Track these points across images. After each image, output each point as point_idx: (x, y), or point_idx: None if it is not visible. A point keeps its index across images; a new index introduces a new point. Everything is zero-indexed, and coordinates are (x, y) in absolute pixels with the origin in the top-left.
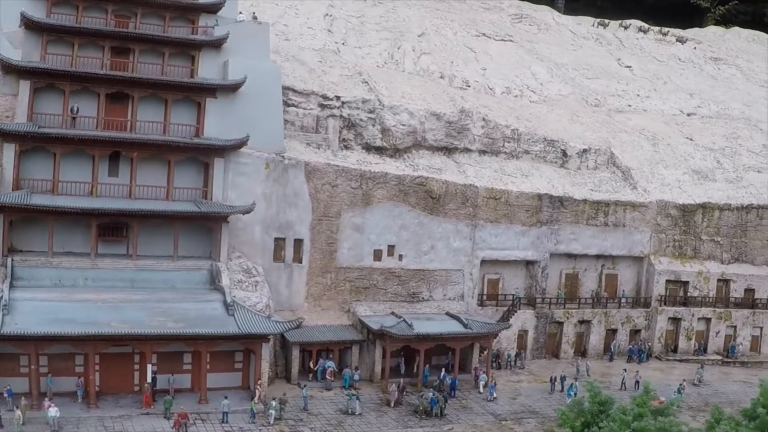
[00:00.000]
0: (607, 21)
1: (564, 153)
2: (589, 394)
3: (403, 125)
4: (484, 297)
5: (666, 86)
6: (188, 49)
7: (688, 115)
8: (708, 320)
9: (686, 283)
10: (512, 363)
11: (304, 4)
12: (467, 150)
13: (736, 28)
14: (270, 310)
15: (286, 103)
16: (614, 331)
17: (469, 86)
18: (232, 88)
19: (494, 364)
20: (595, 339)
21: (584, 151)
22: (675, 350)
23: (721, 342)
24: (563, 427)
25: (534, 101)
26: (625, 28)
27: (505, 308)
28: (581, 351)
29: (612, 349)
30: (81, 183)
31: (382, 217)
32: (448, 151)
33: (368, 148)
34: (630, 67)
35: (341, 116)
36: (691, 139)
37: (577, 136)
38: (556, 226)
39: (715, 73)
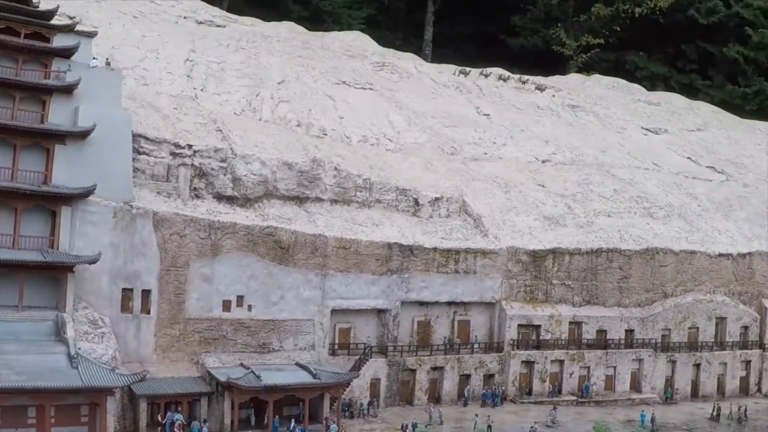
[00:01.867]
0: (468, 69)
1: (416, 202)
2: None
3: (255, 174)
4: (336, 346)
5: (523, 134)
6: (39, 94)
7: (543, 162)
8: (561, 362)
9: (538, 326)
10: (365, 411)
11: (165, 48)
12: (319, 199)
13: (597, 76)
14: (116, 362)
15: (137, 151)
16: (468, 376)
17: (325, 134)
18: (82, 135)
19: (346, 413)
20: (449, 385)
21: (436, 199)
22: (530, 393)
23: (575, 383)
24: None
25: (390, 150)
26: (486, 76)
27: (357, 357)
28: (435, 397)
29: (466, 394)
30: None
31: (231, 267)
32: (299, 200)
33: (219, 197)
34: (488, 115)
35: (193, 165)
36: (543, 186)
37: (430, 185)
38: (407, 274)
39: (572, 120)
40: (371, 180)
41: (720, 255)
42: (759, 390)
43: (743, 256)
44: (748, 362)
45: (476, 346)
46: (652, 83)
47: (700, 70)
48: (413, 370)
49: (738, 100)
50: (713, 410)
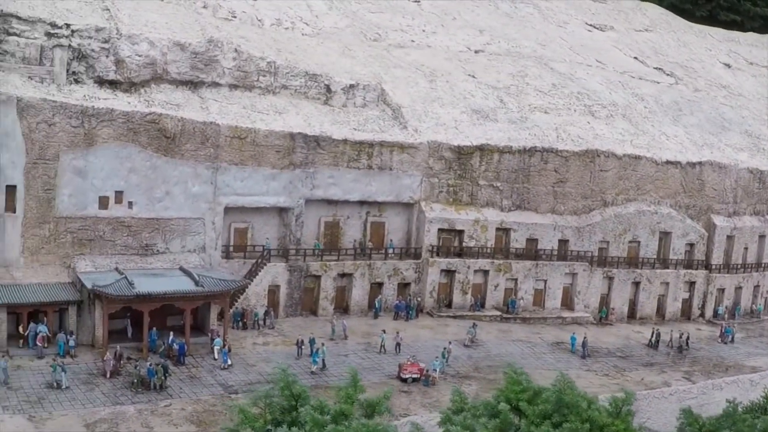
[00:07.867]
0: None
1: (328, 88)
2: (280, 386)
3: (140, 56)
4: (231, 248)
5: (455, 22)
6: None
7: (476, 52)
8: (486, 272)
9: (461, 232)
10: (261, 323)
11: None
12: (216, 84)
13: None
14: None
15: (6, 32)
16: (380, 284)
17: (235, 17)
18: None
19: (239, 325)
20: (359, 294)
21: (351, 86)
22: (449, 305)
23: (500, 296)
24: (243, 427)
25: (306, 34)
26: None
27: (254, 261)
28: (343, 307)
29: (377, 305)
30: None
31: (109, 159)
32: (194, 85)
33: (101, 81)
34: (418, 1)
35: (70, 46)
36: (474, 77)
37: (345, 71)
38: (312, 168)
39: (511, 11)
40: (277, 63)
41: (667, 162)
42: (702, 315)
43: (693, 166)
44: (692, 283)
45: (391, 251)
46: None
47: None
48: (318, 277)
49: (688, 4)
50: (652, 336)
